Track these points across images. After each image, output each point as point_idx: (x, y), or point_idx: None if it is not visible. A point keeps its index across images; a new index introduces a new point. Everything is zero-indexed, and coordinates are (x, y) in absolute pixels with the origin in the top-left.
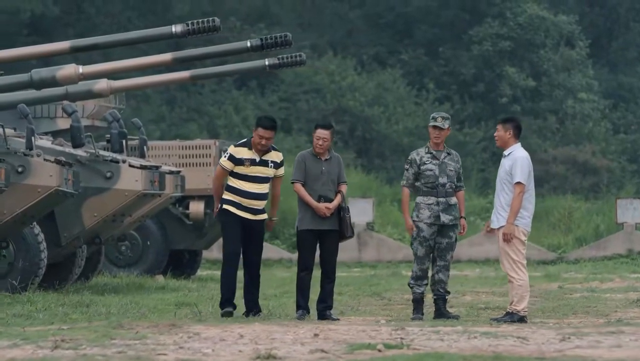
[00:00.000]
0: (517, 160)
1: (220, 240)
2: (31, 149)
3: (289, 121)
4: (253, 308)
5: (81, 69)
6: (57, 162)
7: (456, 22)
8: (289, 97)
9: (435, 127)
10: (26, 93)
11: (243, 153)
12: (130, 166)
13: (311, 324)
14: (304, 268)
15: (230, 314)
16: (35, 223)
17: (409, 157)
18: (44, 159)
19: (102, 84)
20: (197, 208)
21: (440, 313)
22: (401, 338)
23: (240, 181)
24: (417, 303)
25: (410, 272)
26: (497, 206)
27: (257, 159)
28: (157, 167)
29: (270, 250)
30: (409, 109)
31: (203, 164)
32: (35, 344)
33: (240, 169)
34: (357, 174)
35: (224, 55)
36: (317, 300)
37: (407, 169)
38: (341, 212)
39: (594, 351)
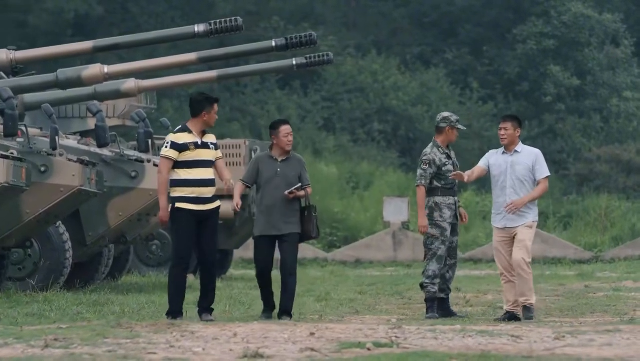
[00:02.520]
0: (538, 156)
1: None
2: (55, 148)
3: (332, 120)
4: (203, 313)
5: (106, 68)
6: (80, 161)
7: (500, 21)
8: (332, 97)
9: (454, 127)
10: (55, 93)
11: (184, 138)
12: (155, 165)
13: (309, 323)
14: (260, 273)
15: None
16: (60, 222)
17: (427, 157)
18: (67, 159)
19: (130, 83)
20: (226, 207)
21: (449, 311)
22: (395, 337)
23: (188, 169)
24: (432, 301)
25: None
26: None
27: (199, 142)
28: None
29: (306, 249)
30: (452, 108)
31: (233, 163)
32: (26, 343)
33: (186, 155)
34: (396, 173)
35: (249, 54)
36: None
37: (424, 169)
38: (305, 211)
39: (584, 349)
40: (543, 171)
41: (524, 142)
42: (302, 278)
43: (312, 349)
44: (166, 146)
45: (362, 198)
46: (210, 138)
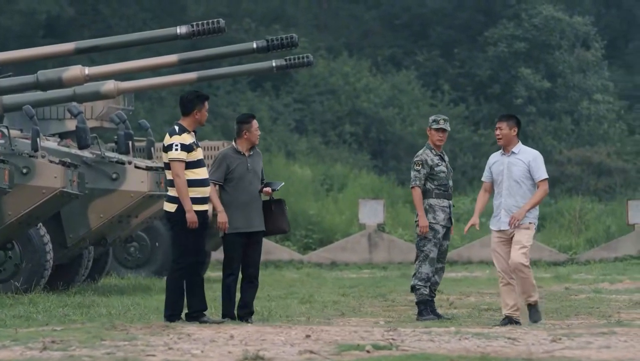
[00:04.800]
0: (536, 157)
1: None
2: (36, 150)
3: (304, 122)
4: (200, 316)
5: (87, 70)
6: (62, 163)
7: (471, 24)
8: (304, 99)
9: (439, 129)
10: (35, 95)
11: (188, 139)
12: (136, 167)
13: (304, 325)
14: (232, 273)
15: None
16: (41, 224)
17: (419, 159)
18: (49, 161)
19: (110, 85)
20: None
21: (436, 314)
22: (392, 339)
23: (196, 170)
24: (425, 304)
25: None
26: (512, 206)
27: (195, 141)
28: (163, 169)
29: (281, 251)
30: (423, 111)
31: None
32: (24, 345)
33: (192, 156)
34: (370, 176)
35: (229, 56)
36: (238, 305)
37: (418, 170)
38: (273, 205)
39: (582, 352)
40: (541, 173)
41: (495, 144)
42: (280, 280)
43: (311, 351)
44: (177, 149)
45: (337, 200)
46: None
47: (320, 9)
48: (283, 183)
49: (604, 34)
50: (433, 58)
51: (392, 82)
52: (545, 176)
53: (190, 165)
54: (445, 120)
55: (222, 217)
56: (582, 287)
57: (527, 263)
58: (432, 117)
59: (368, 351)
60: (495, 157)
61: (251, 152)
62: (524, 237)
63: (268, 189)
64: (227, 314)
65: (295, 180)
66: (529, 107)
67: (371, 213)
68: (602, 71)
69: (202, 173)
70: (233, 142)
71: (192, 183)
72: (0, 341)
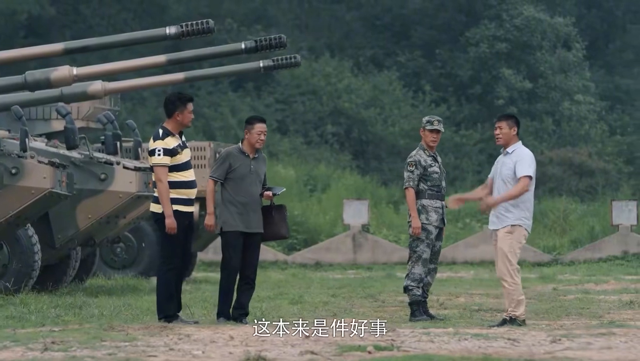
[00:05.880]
0: (524, 156)
1: (215, 243)
2: (25, 150)
3: (286, 122)
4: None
5: (75, 70)
6: (51, 164)
7: (453, 24)
8: (285, 99)
9: (433, 130)
10: (21, 95)
11: (172, 142)
12: (125, 167)
13: (302, 326)
14: (229, 273)
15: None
16: (29, 224)
17: (413, 159)
18: (38, 161)
19: (97, 85)
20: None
21: (428, 314)
22: (392, 340)
23: (182, 172)
24: (418, 305)
25: (405, 274)
26: (499, 206)
27: (181, 143)
28: (151, 169)
29: (266, 252)
30: (405, 111)
31: (198, 165)
32: (25, 346)
33: (177, 159)
34: (353, 176)
35: (218, 57)
36: (233, 306)
37: (412, 171)
38: (273, 210)
39: (584, 353)
40: (521, 169)
41: (476, 144)
42: (266, 281)
43: (312, 352)
44: (159, 154)
45: (321, 201)
46: (183, 138)
47: (302, 9)
48: (284, 189)
49: (585, 35)
50: (414, 58)
51: (373, 82)
52: (526, 173)
53: (176, 168)
54: (439, 121)
55: (210, 220)
56: (570, 288)
57: (509, 275)
58: (426, 118)
59: (369, 352)
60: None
61: (256, 155)
62: (506, 243)
63: (269, 193)
64: (225, 313)
65: (279, 181)
66: (510, 108)
67: (355, 213)
68: (583, 72)
69: (188, 175)
70: (240, 142)
71: (179, 185)
72: (0, 341)
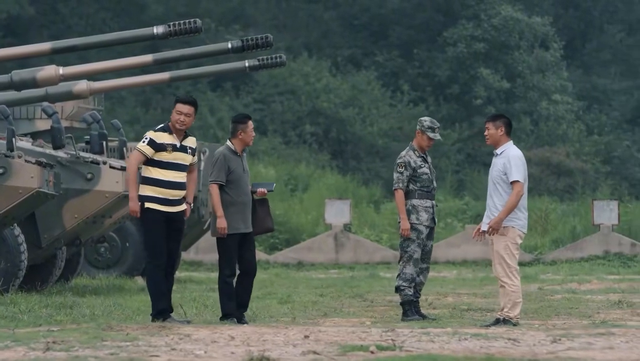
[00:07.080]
0: (510, 159)
1: (199, 242)
2: (12, 150)
3: (264, 122)
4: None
5: (61, 70)
6: (38, 163)
7: (431, 24)
8: (264, 99)
9: (424, 133)
10: (6, 94)
11: (164, 138)
12: (111, 167)
13: (300, 326)
14: (232, 274)
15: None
16: (15, 224)
17: (402, 160)
18: (25, 161)
19: (82, 85)
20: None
21: (420, 314)
22: (392, 340)
23: (162, 170)
24: (409, 304)
25: (388, 274)
26: (491, 207)
27: (178, 145)
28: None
29: None
30: (383, 111)
31: None
32: (26, 346)
33: (162, 156)
34: (333, 176)
35: (204, 56)
36: (237, 305)
37: (401, 172)
38: (257, 205)
39: (587, 353)
40: (511, 174)
41: (454, 144)
42: None
43: (315, 352)
44: (144, 141)
45: (302, 201)
46: (190, 142)
47: (280, 9)
48: (275, 183)
49: (563, 35)
50: (392, 58)
51: (352, 82)
52: (516, 178)
53: (157, 164)
54: (439, 128)
55: (222, 222)
56: (555, 287)
57: (507, 277)
58: (427, 122)
59: (372, 352)
60: None
61: (243, 153)
62: (501, 244)
63: (263, 190)
64: (229, 313)
65: (260, 180)
66: (488, 108)
67: (337, 213)
68: (560, 72)
69: (169, 175)
70: (228, 142)
71: (155, 182)
72: (1, 341)
